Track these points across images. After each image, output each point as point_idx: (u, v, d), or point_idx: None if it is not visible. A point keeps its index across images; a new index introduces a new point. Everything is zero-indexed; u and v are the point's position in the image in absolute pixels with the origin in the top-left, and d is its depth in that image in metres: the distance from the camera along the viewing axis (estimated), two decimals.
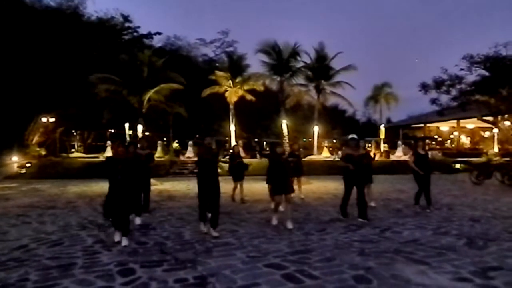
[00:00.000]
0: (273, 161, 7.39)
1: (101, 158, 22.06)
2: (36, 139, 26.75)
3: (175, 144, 31.35)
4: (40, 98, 23.15)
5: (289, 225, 6.90)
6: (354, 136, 8.14)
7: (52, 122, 26.66)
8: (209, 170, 6.56)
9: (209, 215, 6.50)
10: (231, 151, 12.06)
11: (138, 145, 8.47)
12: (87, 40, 26.03)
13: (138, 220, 7.33)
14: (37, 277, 4.42)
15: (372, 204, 9.30)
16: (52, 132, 28.05)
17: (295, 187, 10.99)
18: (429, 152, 25.70)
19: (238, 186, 10.35)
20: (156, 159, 21.56)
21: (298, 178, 11.10)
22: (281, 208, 7.54)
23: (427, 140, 37.44)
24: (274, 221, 7.27)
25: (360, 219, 7.47)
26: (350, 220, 7.66)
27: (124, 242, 5.76)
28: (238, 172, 10.29)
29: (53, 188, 13.75)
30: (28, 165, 19.64)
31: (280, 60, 26.43)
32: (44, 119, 26.10)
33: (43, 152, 24.87)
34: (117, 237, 5.92)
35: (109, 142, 26.12)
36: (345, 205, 7.82)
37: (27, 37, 22.60)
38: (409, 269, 4.62)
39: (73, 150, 32.45)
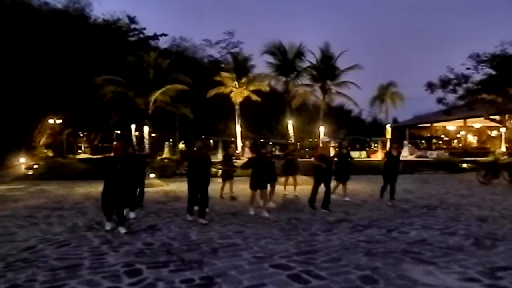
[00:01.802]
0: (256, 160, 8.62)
1: None
2: (43, 140, 26.98)
3: (181, 145, 31.45)
4: (47, 100, 23.35)
5: (265, 214, 8.14)
6: (327, 138, 9.98)
7: (59, 123, 26.86)
8: (199, 170, 7.52)
9: (196, 208, 7.66)
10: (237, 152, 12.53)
11: (136, 147, 9.88)
12: (93, 42, 26.22)
13: (132, 214, 8.02)
14: (45, 277, 4.46)
15: (347, 199, 10.26)
16: (59, 133, 28.27)
17: (291, 185, 11.52)
18: (435, 152, 25.62)
19: (227, 184, 10.92)
20: (163, 160, 21.80)
21: (293, 176, 11.41)
22: (271, 204, 9.19)
23: (434, 140, 37.22)
24: (251, 211, 8.35)
25: (323, 210, 8.65)
26: (356, 221, 7.65)
27: (122, 230, 6.63)
28: (227, 171, 10.91)
29: (60, 189, 13.84)
30: (35, 166, 19.79)
31: (286, 60, 26.43)
32: (51, 121, 26.31)
33: (50, 154, 25.08)
34: (108, 226, 6.83)
35: (115, 144, 26.27)
36: (313, 199, 8.80)
37: (34, 40, 22.81)
38: (416, 270, 4.59)
39: (80, 151, 32.66)
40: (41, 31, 23.15)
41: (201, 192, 7.56)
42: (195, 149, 7.98)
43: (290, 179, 11.57)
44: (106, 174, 6.72)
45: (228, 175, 10.88)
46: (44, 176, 18.10)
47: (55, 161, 21.09)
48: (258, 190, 8.30)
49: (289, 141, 24.92)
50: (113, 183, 6.62)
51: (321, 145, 10.60)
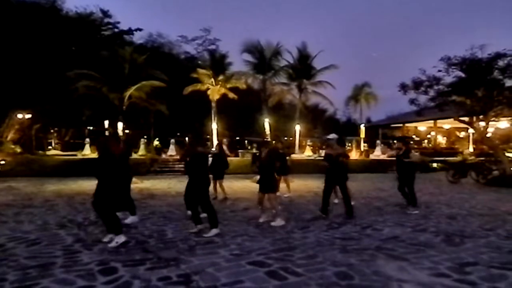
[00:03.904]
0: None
1: (80, 156, 21.60)
2: (11, 136, 25.91)
3: (156, 142, 31.02)
4: (16, 94, 22.48)
5: (272, 223, 7.10)
6: (333, 135, 8.57)
7: (28, 118, 25.92)
8: (204, 168, 6.57)
9: (189, 212, 6.88)
10: (213, 149, 12.02)
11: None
12: (65, 35, 25.44)
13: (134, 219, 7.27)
14: (16, 277, 4.31)
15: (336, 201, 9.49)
16: (28, 128, 27.25)
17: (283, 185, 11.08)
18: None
19: (217, 184, 10.31)
20: (138, 157, 21.47)
21: (284, 176, 11.14)
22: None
23: (405, 140, 38.19)
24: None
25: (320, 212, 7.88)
26: (331, 218, 7.77)
27: (122, 238, 5.65)
28: (218, 170, 10.14)
29: (30, 187, 13.39)
30: (2, 162, 19.04)
31: (263, 59, 26.58)
32: (19, 116, 25.35)
33: (18, 150, 24.15)
34: (122, 238, 5.65)
35: (87, 140, 25.63)
36: (326, 203, 7.94)
37: (2, 31, 21.91)
38: (389, 266, 4.72)
39: (50, 147, 31.63)
40: (9, 22, 22.27)
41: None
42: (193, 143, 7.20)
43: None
44: (107, 175, 5.67)
45: (219, 173, 10.18)
46: (12, 172, 17.49)
47: (24, 157, 20.41)
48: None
49: (265, 139, 25.01)
50: (113, 184, 5.72)
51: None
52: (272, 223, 7.07)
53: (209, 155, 6.76)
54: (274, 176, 7.43)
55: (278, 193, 10.61)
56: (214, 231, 6.24)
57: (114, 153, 5.84)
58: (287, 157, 11.53)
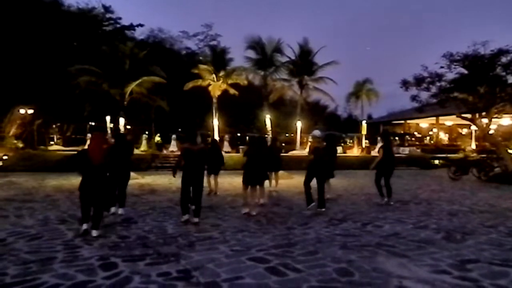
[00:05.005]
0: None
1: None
2: (13, 131, 25.98)
3: (157, 138, 31.04)
4: (18, 89, 22.50)
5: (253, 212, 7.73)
6: (314, 132, 9.06)
7: (30, 113, 25.97)
8: (196, 163, 6.91)
9: (193, 207, 6.98)
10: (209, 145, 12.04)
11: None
12: (67, 30, 25.42)
13: (120, 211, 7.54)
14: (16, 271, 4.31)
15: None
16: (30, 124, 27.30)
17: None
18: (407, 148, 26.34)
19: (211, 180, 10.50)
20: (139, 152, 21.50)
21: (275, 172, 11.24)
22: (262, 200, 8.79)
23: (407, 136, 38.20)
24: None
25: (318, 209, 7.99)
26: (331, 215, 7.76)
27: (95, 233, 5.82)
28: (213, 165, 10.20)
29: (31, 181, 13.41)
30: (4, 157, 19.09)
31: (264, 55, 26.53)
32: (22, 111, 25.39)
33: (20, 145, 24.21)
34: (84, 226, 5.93)
35: (89, 135, 25.63)
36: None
37: (3, 26, 21.89)
38: (390, 262, 4.71)
39: (51, 142, 31.69)
40: (11, 17, 22.23)
41: (197, 188, 6.89)
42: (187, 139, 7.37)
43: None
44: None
45: (213, 169, 10.31)
46: (14, 167, 17.52)
47: (26, 152, 20.45)
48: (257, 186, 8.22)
49: (266, 135, 25.01)
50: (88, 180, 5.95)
51: (310, 139, 10.12)
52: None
53: (193, 151, 6.94)
54: (245, 170, 8.11)
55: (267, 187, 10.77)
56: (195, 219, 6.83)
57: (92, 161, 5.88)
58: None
